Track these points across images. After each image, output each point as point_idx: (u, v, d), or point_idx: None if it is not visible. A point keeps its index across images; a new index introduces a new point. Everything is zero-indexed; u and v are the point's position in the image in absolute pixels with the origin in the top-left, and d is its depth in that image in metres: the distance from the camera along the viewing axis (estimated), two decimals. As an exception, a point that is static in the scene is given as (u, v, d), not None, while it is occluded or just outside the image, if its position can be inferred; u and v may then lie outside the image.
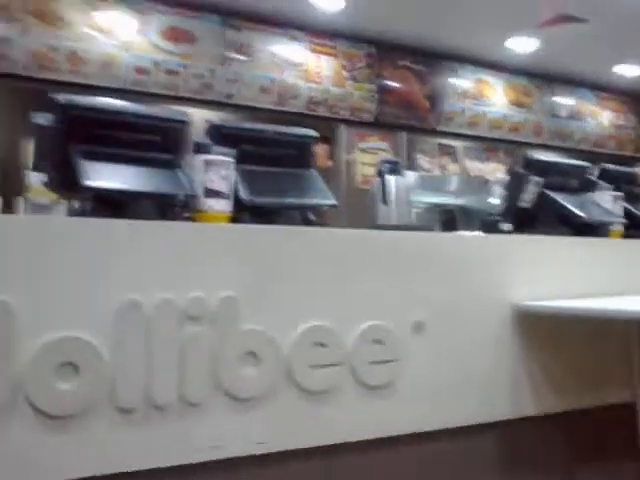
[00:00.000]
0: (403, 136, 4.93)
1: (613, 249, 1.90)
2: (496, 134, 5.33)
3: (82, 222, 1.24)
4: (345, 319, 1.36)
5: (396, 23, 4.50)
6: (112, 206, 1.38)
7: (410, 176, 2.65)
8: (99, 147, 1.41)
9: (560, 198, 2.04)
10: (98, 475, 1.11)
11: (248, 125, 1.80)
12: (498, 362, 1.57)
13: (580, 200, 2.08)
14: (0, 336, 1.06)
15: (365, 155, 4.74)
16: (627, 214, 2.16)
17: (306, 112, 4.52)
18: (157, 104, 3.81)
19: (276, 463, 1.28)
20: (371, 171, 4.23)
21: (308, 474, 1.32)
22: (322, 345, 1.33)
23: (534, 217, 2.07)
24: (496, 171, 5.41)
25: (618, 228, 2.12)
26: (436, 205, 2.77)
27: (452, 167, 5.31)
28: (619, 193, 2.16)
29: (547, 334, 1.63)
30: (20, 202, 3.16)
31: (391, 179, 2.54)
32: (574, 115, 5.72)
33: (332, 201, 1.68)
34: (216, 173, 1.51)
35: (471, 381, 1.51)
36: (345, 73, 4.67)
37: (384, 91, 4.81)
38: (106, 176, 1.38)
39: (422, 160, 5.17)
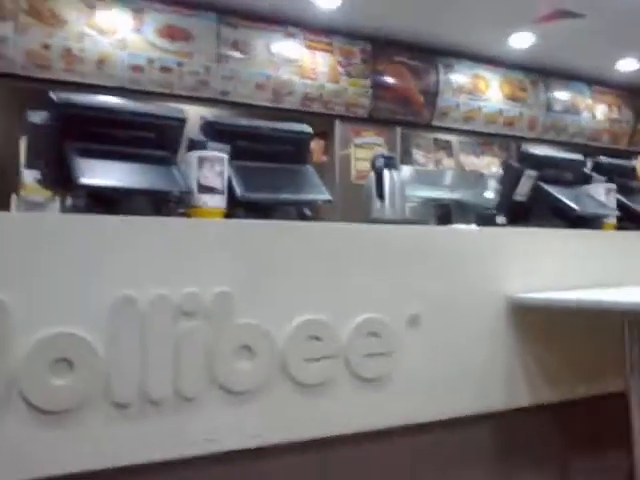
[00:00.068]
0: (398, 131, 4.93)
1: (607, 241, 1.91)
2: (491, 128, 5.33)
3: (76, 219, 1.24)
4: (340, 312, 1.37)
5: (392, 19, 4.50)
6: (106, 203, 1.38)
7: (405, 171, 2.66)
8: (93, 144, 1.42)
9: (554, 191, 2.05)
10: (93, 469, 1.12)
11: (242, 121, 1.80)
12: (493, 354, 1.57)
13: (574, 193, 2.09)
14: (-5, 332, 1.06)
15: (360, 150, 4.74)
16: (621, 206, 2.17)
17: (301, 108, 4.52)
18: (153, 102, 3.80)
19: (271, 456, 1.28)
20: (366, 166, 4.23)
21: (303, 467, 1.33)
22: (317, 338, 1.33)
23: (529, 210, 2.07)
24: (491, 165, 5.41)
25: (612, 220, 2.13)
26: (431, 199, 2.78)
27: (447, 162, 5.31)
28: (613, 186, 2.17)
29: (541, 326, 1.64)
30: (14, 200, 3.16)
31: (386, 174, 2.54)
32: (569, 109, 5.72)
33: (327, 196, 1.69)
34: (210, 169, 1.52)
35: (466, 373, 1.52)
36: (340, 69, 4.66)
37: (379, 87, 4.81)
38: (100, 173, 1.38)
39: (417, 155, 5.17)
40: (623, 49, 5.16)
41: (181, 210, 1.52)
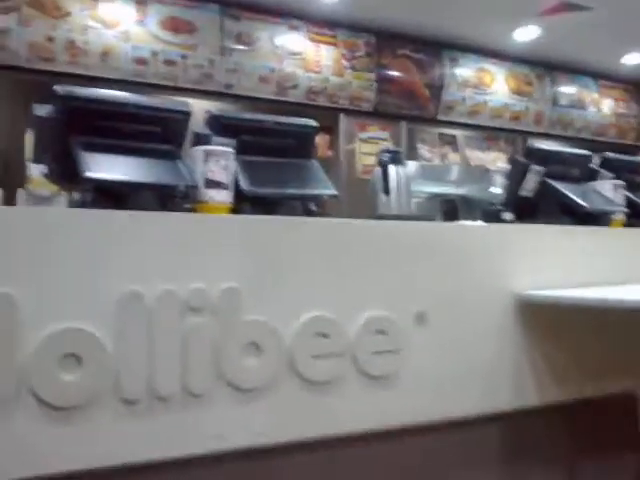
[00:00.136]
0: (403, 125, 4.91)
1: (615, 238, 1.90)
2: (497, 123, 5.31)
3: (83, 213, 1.24)
4: (347, 309, 1.36)
5: (396, 12, 4.47)
6: (113, 197, 1.38)
7: (411, 166, 2.64)
8: (99, 138, 1.41)
9: (562, 187, 2.04)
10: (102, 466, 1.12)
11: (248, 115, 1.79)
12: (501, 352, 1.57)
13: (582, 189, 2.07)
14: (3, 328, 1.06)
15: (365, 145, 4.73)
16: (629, 203, 2.16)
17: (306, 102, 4.50)
18: (156, 95, 3.79)
19: (278, 454, 1.28)
20: (372, 161, 4.22)
21: (311, 465, 1.33)
22: (324, 335, 1.33)
23: (536, 206, 2.06)
24: (497, 160, 5.39)
25: (620, 217, 2.11)
26: (437, 195, 2.77)
27: (453, 156, 5.29)
28: (621, 182, 2.16)
29: (549, 324, 1.63)
30: (21, 194, 3.16)
31: (392, 169, 2.53)
32: (575, 103, 5.69)
33: (333, 191, 1.68)
34: (216, 164, 1.51)
35: (474, 371, 1.51)
36: (345, 62, 4.64)
37: (384, 80, 4.79)
38: (106, 167, 1.38)
39: (423, 150, 5.15)
40: (630, 43, 5.13)
41: (187, 205, 1.51)
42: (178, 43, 4.07)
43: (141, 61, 3.94)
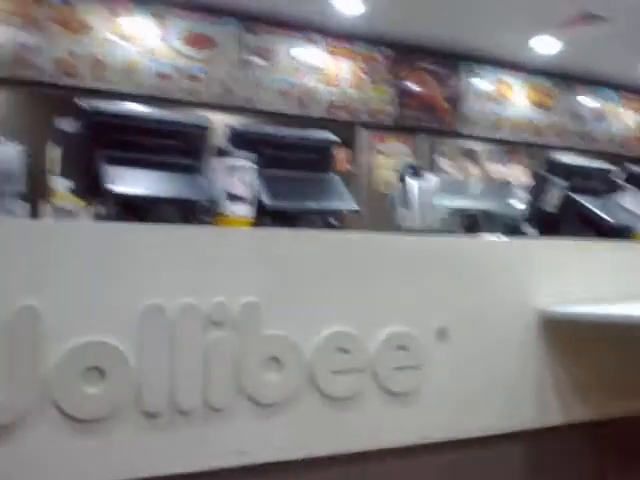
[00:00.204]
0: (424, 139, 4.91)
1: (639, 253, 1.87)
2: (518, 136, 5.28)
3: (106, 227, 1.25)
4: (368, 325, 1.35)
5: (414, 25, 4.48)
6: (136, 211, 1.39)
7: (431, 180, 2.63)
8: (123, 153, 1.43)
9: (585, 201, 2.02)
10: (123, 479, 1.12)
11: (269, 130, 1.81)
12: (523, 369, 1.54)
13: (605, 203, 2.05)
14: (28, 340, 1.07)
15: (386, 158, 4.73)
16: (653, 217, 2.12)
17: (326, 116, 4.52)
18: (179, 109, 3.84)
19: (298, 469, 1.27)
20: (392, 175, 4.22)
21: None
22: (345, 351, 1.32)
23: (558, 221, 2.04)
24: (518, 174, 5.35)
25: (644, 231, 2.08)
26: (458, 209, 2.74)
27: (473, 170, 5.26)
28: (645, 196, 2.13)
29: (572, 340, 1.60)
30: (45, 207, 3.20)
31: (412, 183, 2.52)
32: (598, 116, 5.64)
33: (353, 205, 1.68)
34: (238, 178, 1.52)
35: (496, 388, 1.49)
36: (364, 76, 4.66)
37: (403, 94, 4.79)
38: (130, 181, 1.40)
39: (443, 163, 5.14)
40: (652, 55, 5.07)
41: (209, 219, 1.52)
42: (200, 58, 4.12)
43: (164, 76, 4.00)
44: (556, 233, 1.99)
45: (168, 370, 1.16)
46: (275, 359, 1.25)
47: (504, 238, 1.96)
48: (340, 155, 4.49)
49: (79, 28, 3.79)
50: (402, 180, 2.51)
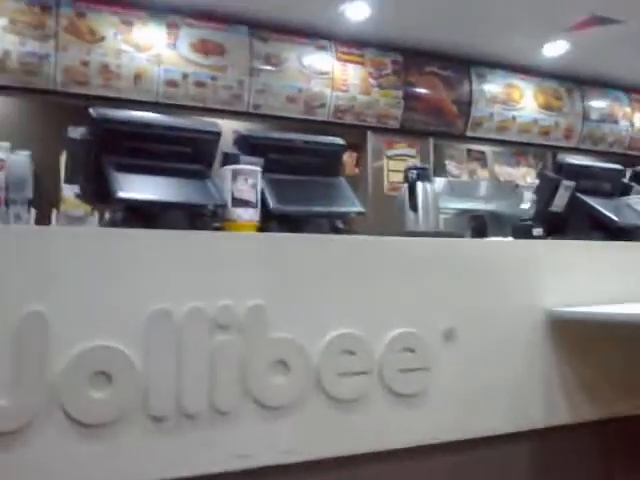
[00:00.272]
0: (431, 142, 4.90)
1: (648, 253, 1.85)
2: (526, 138, 5.25)
3: (113, 232, 1.27)
4: (374, 327, 1.36)
5: (422, 30, 4.48)
6: (143, 216, 1.40)
7: (439, 182, 2.63)
8: (131, 159, 1.44)
9: (593, 202, 2.01)
10: (130, 483, 1.13)
11: (276, 134, 1.82)
12: (530, 369, 1.54)
13: (613, 204, 2.04)
14: (35, 346, 1.08)
15: (393, 162, 4.73)
16: (662, 217, 2.11)
17: (333, 120, 4.53)
18: (187, 116, 3.86)
19: (305, 472, 1.27)
20: (399, 178, 4.21)
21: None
22: (351, 353, 1.32)
23: (566, 222, 2.03)
24: (526, 176, 5.32)
25: (653, 232, 2.06)
26: (466, 211, 2.75)
27: (481, 172, 5.25)
28: (654, 196, 2.11)
29: (580, 340, 1.59)
30: (55, 215, 3.24)
31: (419, 185, 2.52)
32: (607, 118, 5.60)
33: (360, 208, 1.68)
34: (244, 183, 1.53)
35: (503, 388, 1.49)
36: (372, 81, 4.66)
37: (411, 97, 4.79)
38: (138, 187, 1.41)
39: (451, 166, 5.12)
40: (661, 55, 5.04)
41: (216, 224, 1.53)
42: (208, 65, 4.15)
43: (172, 83, 4.03)
44: (563, 234, 1.98)
45: (174, 374, 1.16)
46: (281, 362, 1.26)
47: (512, 239, 1.96)
48: (348, 159, 4.50)
49: (88, 36, 3.83)
50: (409, 183, 2.51)
